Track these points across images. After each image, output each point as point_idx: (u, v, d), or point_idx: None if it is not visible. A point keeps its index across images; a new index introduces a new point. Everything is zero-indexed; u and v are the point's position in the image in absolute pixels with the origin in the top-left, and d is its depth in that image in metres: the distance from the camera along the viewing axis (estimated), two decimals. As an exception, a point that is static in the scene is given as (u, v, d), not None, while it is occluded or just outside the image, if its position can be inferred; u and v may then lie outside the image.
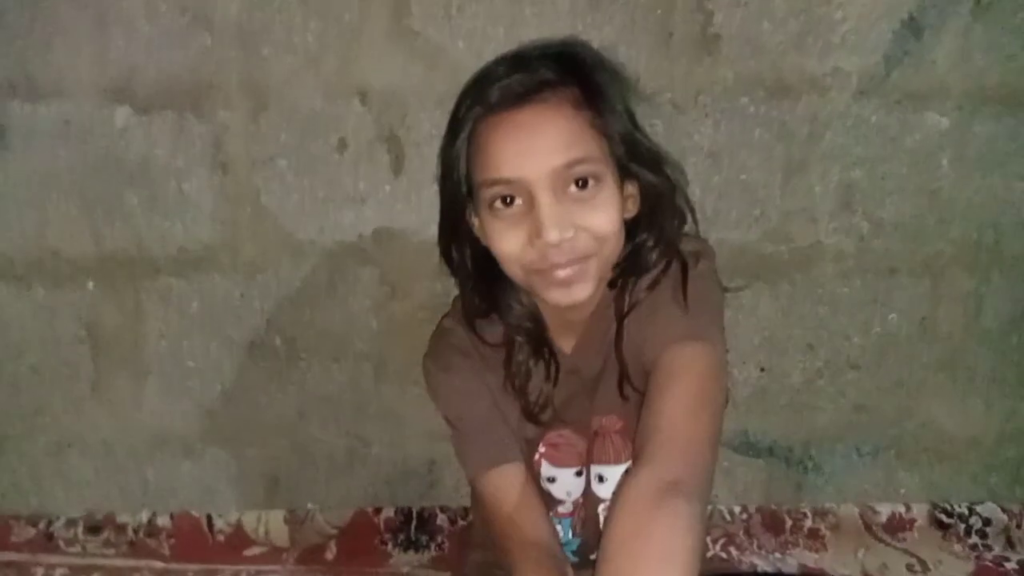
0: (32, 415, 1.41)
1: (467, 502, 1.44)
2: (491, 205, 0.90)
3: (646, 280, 0.96)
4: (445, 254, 1.02)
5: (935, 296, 1.34)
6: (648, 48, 1.20)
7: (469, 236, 0.98)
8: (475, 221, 0.96)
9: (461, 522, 1.43)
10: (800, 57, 1.22)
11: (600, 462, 1.05)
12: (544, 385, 1.01)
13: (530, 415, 1.02)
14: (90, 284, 1.33)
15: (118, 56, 1.21)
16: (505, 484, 1.00)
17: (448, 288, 1.29)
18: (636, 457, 0.83)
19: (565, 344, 1.02)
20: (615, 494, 0.80)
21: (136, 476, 1.45)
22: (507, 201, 0.89)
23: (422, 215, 1.28)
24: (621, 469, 1.04)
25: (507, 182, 0.87)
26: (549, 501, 1.07)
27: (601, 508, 1.07)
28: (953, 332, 1.36)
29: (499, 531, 1.00)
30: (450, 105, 1.20)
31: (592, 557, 1.07)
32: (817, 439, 1.43)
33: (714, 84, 1.23)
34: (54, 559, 1.42)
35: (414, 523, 1.44)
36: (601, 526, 1.06)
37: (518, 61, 0.93)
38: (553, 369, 1.01)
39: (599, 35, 1.20)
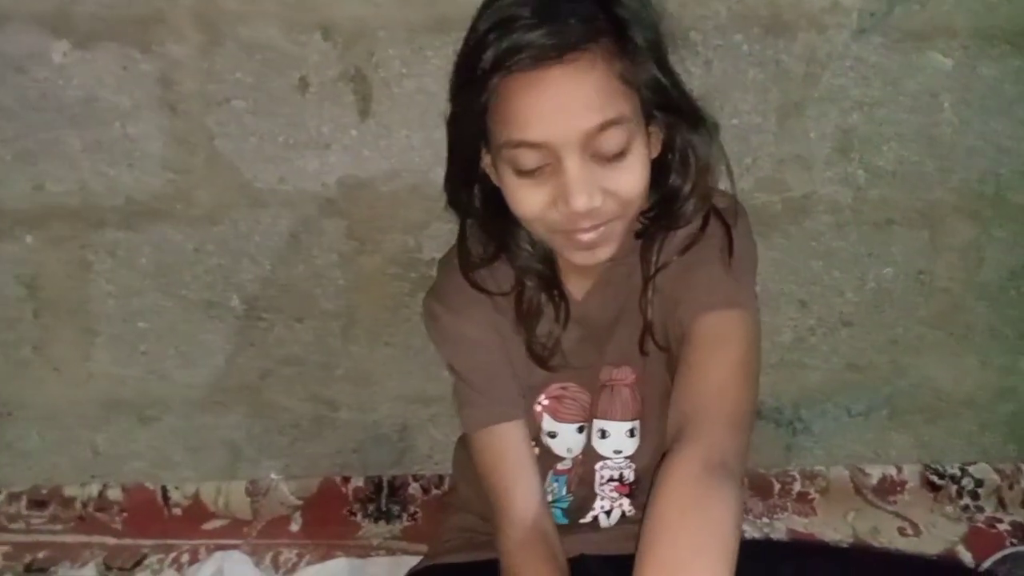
0: (-32, 381, 1.30)
1: (442, 469, 1.36)
2: (515, 166, 0.82)
3: (680, 239, 0.90)
4: (453, 199, 0.94)
5: (933, 248, 1.27)
6: (637, -20, 1.10)
7: (479, 176, 0.90)
8: (487, 160, 0.88)
9: (435, 491, 1.36)
10: (798, -9, 1.13)
11: (604, 416, 0.99)
12: (554, 327, 0.95)
13: (539, 359, 0.96)
14: (28, 238, 1.22)
15: (54, -20, 1.09)
16: (504, 445, 0.96)
17: (420, 242, 1.22)
18: (680, 429, 0.79)
19: (575, 288, 0.96)
20: (661, 470, 0.76)
21: (85, 445, 1.35)
22: (530, 163, 0.81)
23: (392, 162, 1.18)
24: (626, 426, 0.99)
25: (533, 145, 0.79)
26: (548, 457, 1.01)
27: (599, 466, 1.02)
28: (951, 286, 1.29)
29: (490, 492, 0.96)
30: (423, 40, 1.12)
31: (583, 520, 1.04)
32: (807, 399, 1.36)
33: (706, 19, 1.13)
34: (-4, 536, 1.32)
35: (385, 492, 1.36)
36: (597, 484, 1.03)
37: (544, 4, 0.81)
38: (563, 312, 0.95)
39: (584, -37, 1.09)
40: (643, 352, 0.94)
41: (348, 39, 1.12)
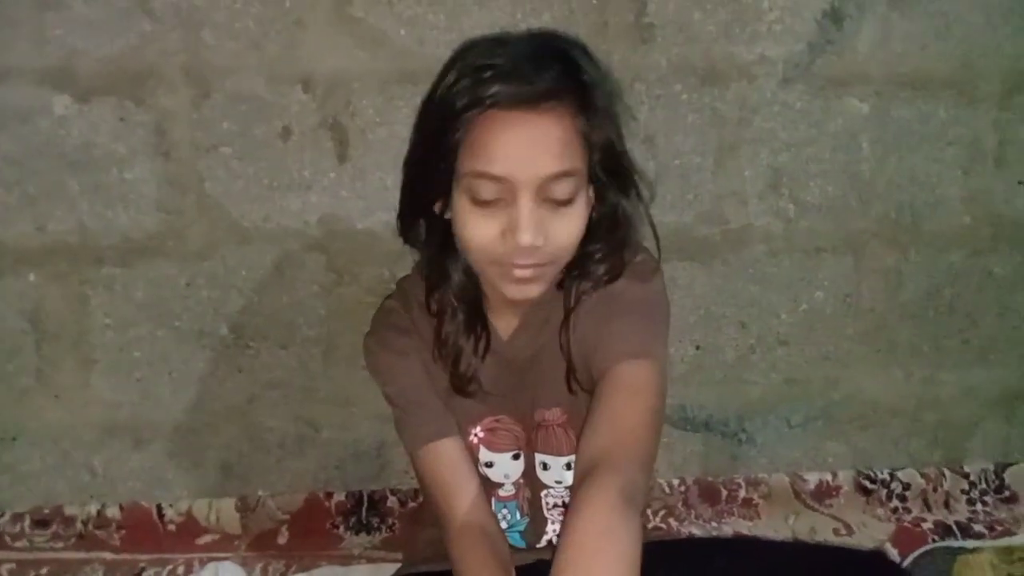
0: (-27, 410, 1.32)
1: (416, 483, 1.39)
2: (472, 195, 0.86)
3: (594, 289, 0.95)
4: (404, 231, 0.99)
5: (858, 273, 1.34)
6: (585, 36, 1.17)
7: (427, 212, 0.95)
8: (439, 203, 0.93)
9: (411, 503, 1.39)
10: (730, 45, 1.21)
11: (544, 451, 1.03)
12: (473, 359, 0.99)
13: (457, 387, 1.00)
14: (31, 275, 1.25)
15: (57, 41, 1.14)
16: (442, 460, 0.98)
17: (394, 273, 1.28)
18: (595, 463, 0.80)
19: (502, 326, 1.00)
20: (577, 493, 0.78)
21: (84, 467, 1.37)
22: (488, 194, 0.85)
23: (367, 201, 1.24)
24: (563, 460, 1.02)
25: (495, 178, 0.84)
26: (488, 485, 1.04)
27: (544, 493, 1.05)
28: (875, 307, 1.36)
29: (436, 507, 0.98)
30: (394, 91, 1.19)
31: (539, 545, 1.06)
32: (750, 412, 1.42)
33: (648, 71, 1.21)
34: (0, 555, 1.33)
35: (365, 506, 1.39)
36: (545, 509, 1.06)
37: (522, 54, 0.87)
38: (483, 344, 0.99)
39: (538, 22, 1.17)
40: (571, 392, 0.97)
41: (326, 91, 1.18)
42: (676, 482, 1.43)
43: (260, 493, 1.40)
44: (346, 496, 1.40)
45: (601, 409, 0.86)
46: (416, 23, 1.16)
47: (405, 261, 1.26)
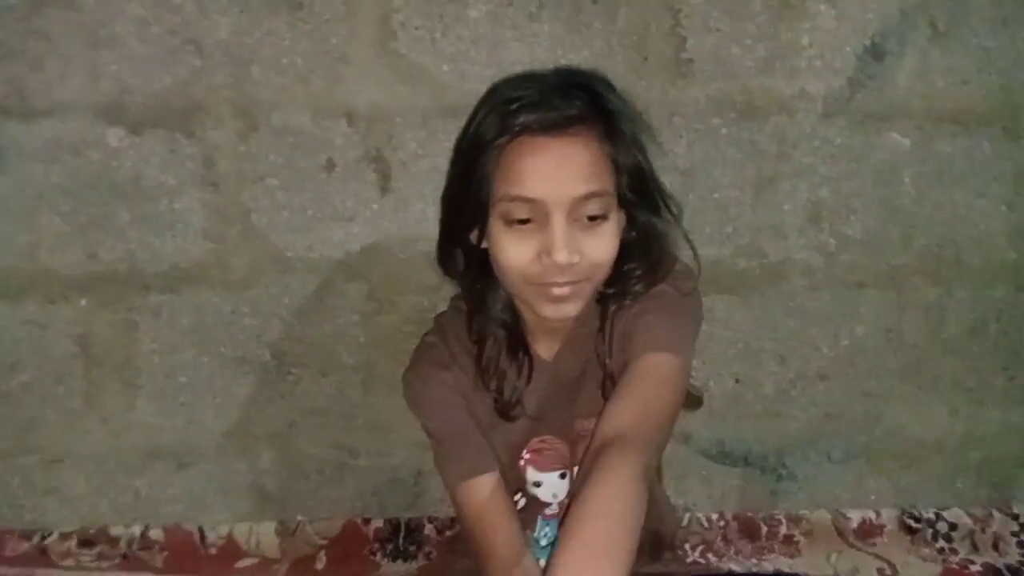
0: (25, 430, 1.34)
1: (453, 512, 1.38)
2: (507, 218, 0.88)
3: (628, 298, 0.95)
4: (442, 261, 1.00)
5: (900, 307, 1.31)
6: (624, 71, 1.17)
7: (465, 243, 0.96)
8: (475, 232, 0.94)
9: (448, 532, 1.38)
10: (768, 80, 1.20)
11: None
12: (517, 383, 0.99)
13: (502, 412, 1.00)
14: (83, 301, 1.27)
15: (110, 76, 1.17)
16: (481, 496, 0.98)
17: (434, 303, 1.27)
18: (621, 435, 0.82)
19: (543, 349, 1.00)
20: (597, 459, 0.80)
21: (128, 489, 1.38)
22: (522, 218, 0.87)
23: (408, 231, 1.25)
24: None
25: (529, 200, 0.86)
26: (536, 505, 1.04)
27: None
28: (918, 342, 1.33)
29: (474, 542, 0.98)
30: (435, 125, 1.19)
31: None
32: (790, 447, 1.39)
33: (687, 106, 1.20)
34: (50, 573, 1.34)
35: (402, 533, 1.38)
36: None
37: (548, 86, 0.90)
38: (527, 369, 0.99)
39: (578, 58, 1.17)
40: (605, 399, 0.96)
41: (369, 124, 1.20)
42: (715, 516, 1.41)
43: (299, 518, 1.40)
44: (384, 523, 1.39)
45: (628, 391, 0.88)
46: (457, 59, 1.17)
47: (444, 291, 1.26)
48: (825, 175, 1.24)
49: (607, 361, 0.96)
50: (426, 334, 1.06)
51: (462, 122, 0.95)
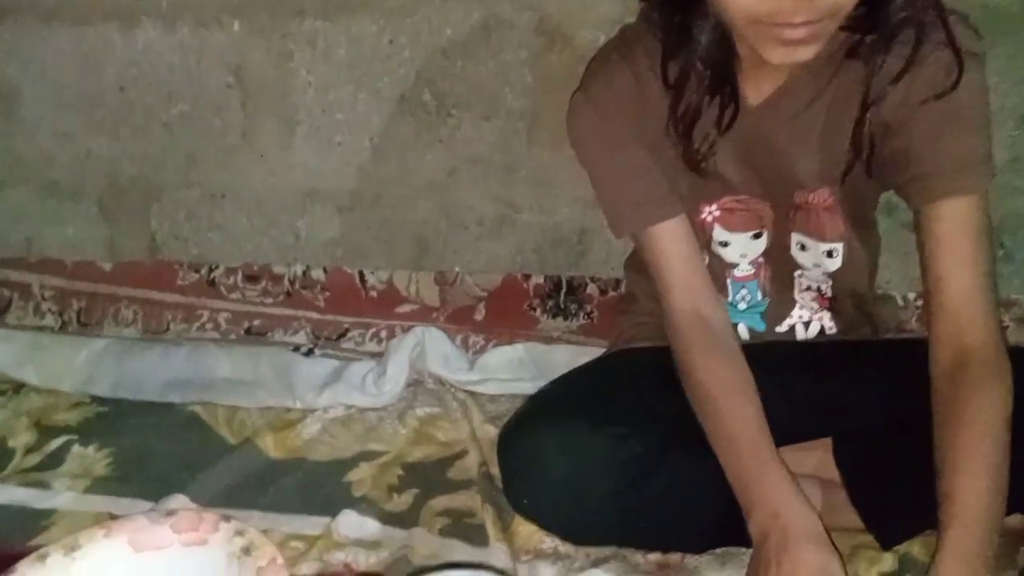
0: (186, 164, 1.29)
1: (618, 274, 1.27)
2: None
3: (897, 60, 0.76)
4: None
5: None
6: None
7: None
8: None
9: (612, 293, 1.27)
10: None
11: (803, 232, 0.90)
12: (711, 130, 0.83)
13: (690, 161, 0.85)
14: (235, 25, 1.16)
15: None
16: (663, 245, 0.86)
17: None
18: (978, 357, 0.75)
19: (752, 93, 0.83)
20: (967, 394, 0.74)
21: (289, 231, 1.33)
22: None
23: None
24: (825, 247, 0.90)
25: None
26: (720, 264, 0.93)
27: (798, 274, 0.93)
28: None
29: (659, 297, 0.88)
30: None
31: (779, 328, 0.95)
32: (1013, 225, 1.17)
33: None
34: (218, 304, 1.36)
35: (563, 291, 1.29)
36: (797, 291, 0.95)
37: None
38: (728, 114, 0.82)
39: None
40: (845, 176, 0.83)
41: None
42: (911, 296, 1.23)
43: (457, 269, 1.32)
44: (544, 279, 1.30)
45: (945, 256, 0.78)
46: None
47: (626, 24, 1.07)
48: None
49: (864, 138, 0.80)
50: (605, 45, 0.90)
51: None
